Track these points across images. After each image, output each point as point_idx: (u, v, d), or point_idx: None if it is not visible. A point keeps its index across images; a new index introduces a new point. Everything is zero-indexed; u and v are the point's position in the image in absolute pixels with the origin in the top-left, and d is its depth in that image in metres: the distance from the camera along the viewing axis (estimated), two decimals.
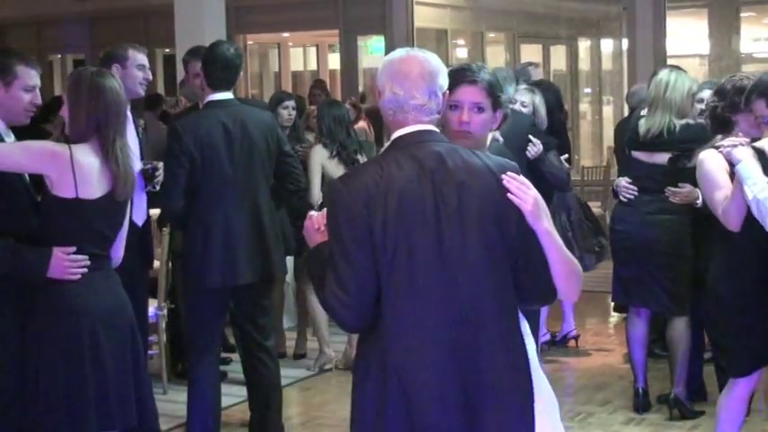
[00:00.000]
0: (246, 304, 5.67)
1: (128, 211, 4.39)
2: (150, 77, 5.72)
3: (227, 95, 5.57)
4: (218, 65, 5.52)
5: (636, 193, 6.30)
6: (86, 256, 4.16)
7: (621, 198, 6.37)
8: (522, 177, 3.15)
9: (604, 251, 7.73)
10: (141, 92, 5.70)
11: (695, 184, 5.94)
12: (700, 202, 5.91)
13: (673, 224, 6.16)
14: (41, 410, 4.13)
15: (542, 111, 7.04)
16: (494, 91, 3.44)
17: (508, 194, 3.10)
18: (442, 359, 3.08)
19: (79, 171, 4.09)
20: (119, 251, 4.40)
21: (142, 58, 5.66)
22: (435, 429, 3.07)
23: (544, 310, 7.29)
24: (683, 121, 6.14)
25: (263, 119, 5.73)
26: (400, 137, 3.20)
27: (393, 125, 3.23)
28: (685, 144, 6.09)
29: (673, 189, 6.09)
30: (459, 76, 3.40)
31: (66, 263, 4.12)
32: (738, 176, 4.55)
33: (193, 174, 5.41)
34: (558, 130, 7.50)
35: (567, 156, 7.06)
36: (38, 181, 4.19)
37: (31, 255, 4.15)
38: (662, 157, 6.19)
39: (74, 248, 4.13)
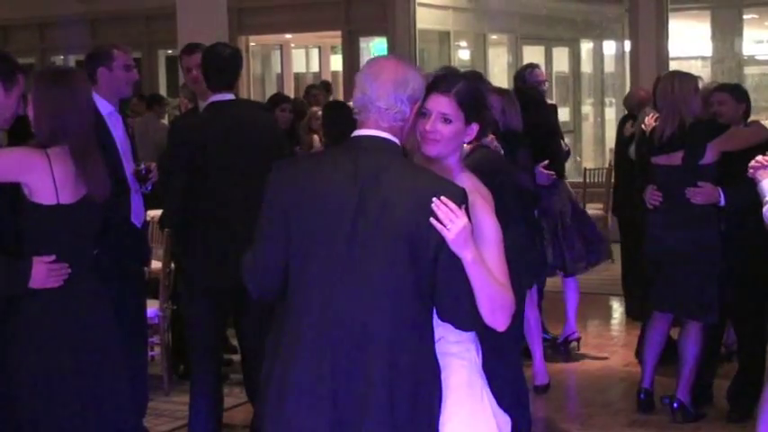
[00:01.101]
0: (247, 306, 5.66)
1: (105, 213, 4.29)
2: (136, 77, 5.70)
3: (228, 96, 5.56)
4: (216, 66, 5.52)
5: (661, 199, 6.26)
6: (66, 264, 4.09)
7: (648, 206, 6.35)
8: (452, 204, 3.07)
9: (602, 255, 7.78)
10: (128, 92, 5.70)
11: (714, 182, 5.97)
12: (723, 200, 5.96)
13: (699, 227, 6.13)
14: (22, 419, 4.08)
15: (513, 111, 6.80)
16: (466, 104, 3.34)
17: (431, 219, 3.07)
18: (315, 366, 3.12)
19: (58, 176, 4.03)
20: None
21: (127, 58, 5.65)
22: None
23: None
24: (693, 118, 6.16)
25: (264, 120, 5.73)
26: (354, 137, 3.25)
27: (357, 124, 3.27)
28: (699, 140, 6.10)
29: (693, 189, 6.04)
30: (434, 83, 3.36)
31: (48, 272, 4.06)
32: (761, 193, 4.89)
33: (192, 175, 5.41)
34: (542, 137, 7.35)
35: (546, 162, 6.95)
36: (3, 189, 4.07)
37: (11, 268, 4.07)
38: (678, 158, 6.17)
39: (53, 257, 4.06)
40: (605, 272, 10.84)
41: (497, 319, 3.21)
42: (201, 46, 6.16)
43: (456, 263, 3.11)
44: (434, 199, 3.08)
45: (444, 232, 3.07)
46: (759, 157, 5.07)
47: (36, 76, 4.30)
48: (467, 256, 3.10)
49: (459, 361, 3.31)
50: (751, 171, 5.03)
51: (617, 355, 7.92)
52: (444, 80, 3.37)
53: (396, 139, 3.23)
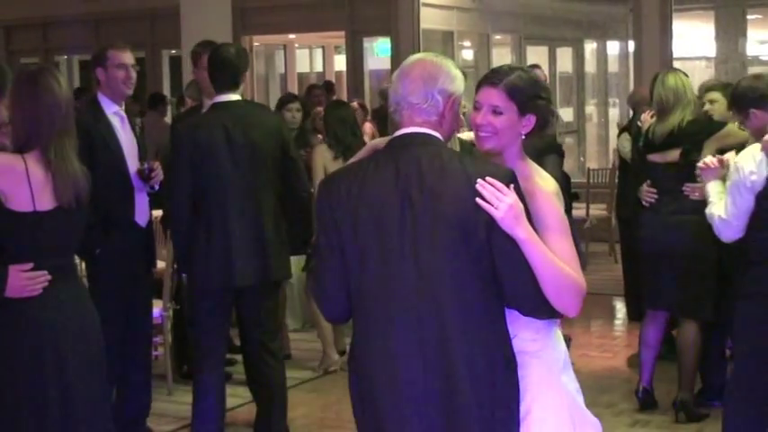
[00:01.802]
0: (249, 306, 5.67)
1: (86, 214, 4.17)
2: (133, 75, 5.68)
3: (233, 97, 5.56)
4: (221, 66, 5.52)
5: (656, 197, 6.30)
6: (46, 271, 3.99)
7: (644, 203, 6.38)
8: (499, 183, 3.04)
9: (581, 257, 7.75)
10: (127, 91, 5.69)
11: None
12: None
13: (694, 225, 6.13)
14: (5, 425, 4.01)
15: None
16: (518, 95, 3.28)
17: (477, 200, 3.05)
18: (407, 362, 3.10)
19: (35, 183, 3.93)
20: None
21: (122, 57, 5.65)
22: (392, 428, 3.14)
23: None
24: (691, 117, 6.17)
25: (269, 121, 5.72)
26: (393, 138, 3.26)
27: (394, 125, 3.29)
28: (695, 137, 6.12)
29: (690, 185, 6.02)
30: (485, 77, 3.35)
31: (25, 281, 3.96)
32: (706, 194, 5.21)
33: (195, 175, 5.40)
34: None
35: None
36: None
37: None
38: (674, 155, 6.19)
39: (31, 265, 3.97)
40: (608, 272, 10.85)
41: (565, 302, 3.12)
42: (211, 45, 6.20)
43: (511, 243, 3.06)
44: (479, 180, 3.06)
45: (492, 211, 3.03)
46: (707, 159, 5.19)
47: (14, 77, 4.20)
48: (519, 234, 3.05)
49: (535, 360, 3.26)
50: (698, 172, 5.18)
51: (620, 356, 7.92)
52: (494, 73, 3.35)
53: (434, 132, 3.22)
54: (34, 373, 4.00)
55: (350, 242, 3.17)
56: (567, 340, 7.95)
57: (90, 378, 4.14)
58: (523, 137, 3.34)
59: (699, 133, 6.12)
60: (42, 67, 4.17)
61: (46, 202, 3.97)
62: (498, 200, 3.03)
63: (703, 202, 5.76)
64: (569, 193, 7.94)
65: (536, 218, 3.16)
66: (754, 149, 4.88)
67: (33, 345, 4.00)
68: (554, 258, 3.10)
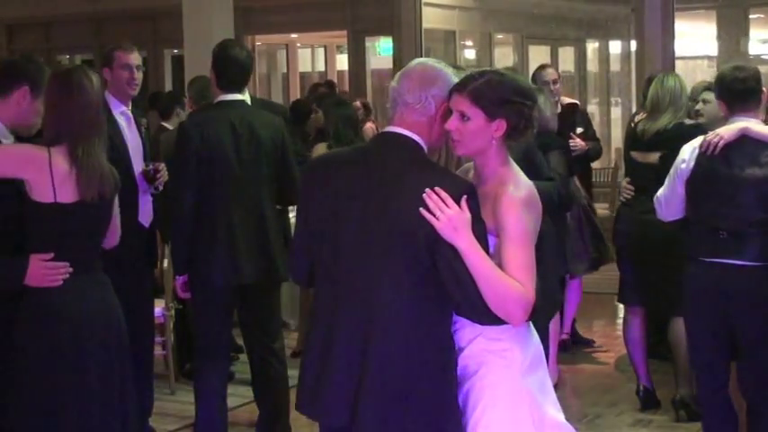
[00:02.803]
0: (252, 305, 5.66)
1: (112, 211, 4.26)
2: (137, 77, 5.69)
3: (238, 96, 5.55)
4: (230, 67, 5.50)
5: (633, 193, 6.37)
6: (67, 263, 4.07)
7: (621, 198, 6.45)
8: (444, 195, 3.14)
9: (603, 257, 7.78)
10: (131, 92, 5.70)
11: None
12: None
13: (666, 225, 6.17)
14: (21, 415, 4.08)
15: (547, 111, 6.92)
16: (482, 100, 3.30)
17: (420, 209, 3.14)
18: (340, 346, 3.29)
19: (57, 175, 4.01)
20: (110, 241, 4.32)
21: (128, 57, 5.66)
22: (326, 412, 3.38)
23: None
24: (678, 121, 6.19)
25: (272, 121, 5.72)
26: (377, 135, 3.45)
27: (387, 120, 3.43)
28: (675, 142, 6.13)
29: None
30: (455, 84, 3.37)
31: (45, 270, 4.04)
32: None
33: (201, 172, 5.39)
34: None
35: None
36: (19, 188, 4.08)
37: (6, 264, 4.09)
38: (654, 157, 6.24)
39: (51, 255, 4.05)
40: (610, 271, 10.82)
41: (509, 312, 3.19)
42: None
43: (453, 252, 3.16)
44: (427, 189, 3.16)
45: (432, 220, 3.14)
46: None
47: (49, 77, 4.27)
48: (459, 243, 3.15)
49: (498, 360, 3.31)
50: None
51: (622, 355, 7.91)
52: (463, 80, 3.37)
53: (417, 137, 3.32)
54: (51, 363, 4.06)
55: (313, 223, 3.41)
56: (591, 342, 8.01)
57: (111, 371, 4.20)
58: (497, 140, 3.34)
59: (678, 138, 6.10)
60: (76, 67, 4.35)
61: (68, 195, 4.04)
62: (440, 210, 3.13)
63: None
64: (587, 188, 7.97)
65: (498, 224, 3.25)
66: (696, 141, 5.21)
67: (52, 335, 4.07)
68: (494, 269, 3.17)
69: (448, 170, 3.39)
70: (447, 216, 3.13)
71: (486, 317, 3.22)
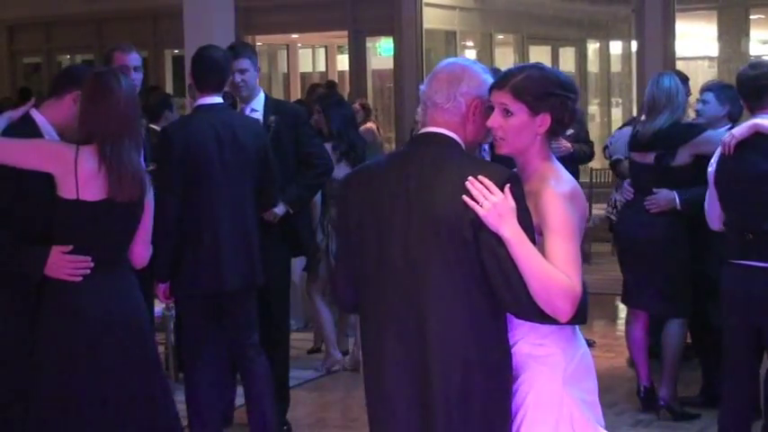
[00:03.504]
0: (232, 310, 5.56)
1: (140, 213, 4.30)
2: (135, 77, 5.68)
3: (217, 99, 5.51)
4: (206, 68, 5.47)
5: (632, 195, 6.40)
6: (89, 258, 4.13)
7: (622, 199, 6.50)
8: (488, 182, 3.07)
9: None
10: None
11: (686, 184, 6.01)
12: (678, 204, 6.09)
13: (664, 223, 6.19)
14: (38, 412, 4.11)
15: None
16: (525, 95, 3.22)
17: (464, 197, 3.08)
18: (393, 360, 3.20)
19: (81, 172, 4.07)
20: (141, 253, 4.36)
21: (125, 58, 5.68)
22: (384, 423, 3.27)
23: None
24: (674, 121, 6.19)
25: (252, 125, 5.71)
26: (412, 137, 3.41)
27: (421, 124, 3.40)
28: (670, 142, 6.15)
29: (649, 198, 6.20)
30: (494, 81, 3.31)
31: (64, 262, 4.11)
32: None
33: (185, 178, 5.34)
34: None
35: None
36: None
37: (28, 251, 4.16)
38: (651, 157, 6.26)
39: (70, 247, 4.11)
40: (610, 272, 10.84)
41: (555, 305, 3.07)
42: (248, 49, 6.32)
43: (498, 242, 3.06)
44: (470, 177, 3.09)
45: (476, 208, 3.06)
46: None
47: (89, 77, 4.33)
48: (504, 232, 3.05)
49: (540, 366, 3.24)
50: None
51: (622, 355, 7.91)
52: (502, 76, 3.31)
53: (452, 134, 3.26)
54: (67, 361, 4.10)
55: (355, 238, 3.30)
56: (591, 344, 8.01)
57: (130, 369, 4.20)
58: (541, 136, 3.27)
59: (674, 138, 6.14)
60: (107, 69, 4.45)
61: (93, 194, 4.09)
62: (484, 197, 3.05)
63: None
64: None
65: (541, 218, 3.16)
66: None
67: (68, 334, 4.11)
68: (542, 260, 3.07)
69: (488, 161, 3.31)
70: (491, 203, 3.04)
71: (532, 312, 3.10)
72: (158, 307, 6.60)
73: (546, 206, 3.16)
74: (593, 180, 12.58)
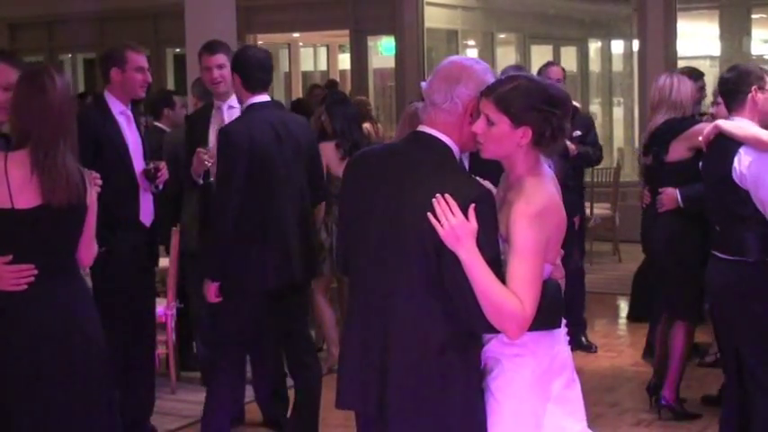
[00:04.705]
0: (291, 305, 5.59)
1: (83, 215, 4.10)
2: (149, 79, 5.68)
3: (266, 98, 5.49)
4: (255, 68, 5.40)
5: (649, 199, 6.42)
6: (32, 266, 3.97)
7: (642, 205, 6.55)
8: (452, 202, 3.12)
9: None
10: (141, 94, 5.69)
11: (687, 180, 6.01)
12: (680, 201, 6.10)
13: (672, 224, 6.18)
14: None
15: None
16: (508, 107, 3.23)
17: (428, 214, 3.15)
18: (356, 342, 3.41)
19: (13, 180, 3.92)
20: (86, 253, 4.19)
21: (140, 59, 5.64)
22: (346, 398, 3.67)
23: None
24: (669, 118, 6.22)
25: (301, 121, 5.72)
26: (411, 133, 3.42)
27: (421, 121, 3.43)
28: (662, 137, 6.17)
29: (659, 198, 6.20)
30: (485, 88, 3.32)
31: (6, 272, 3.96)
32: None
33: (247, 174, 5.28)
34: None
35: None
36: None
37: None
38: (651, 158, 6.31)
39: (9, 258, 3.96)
40: (611, 271, 10.86)
41: (504, 327, 3.18)
42: (224, 46, 6.14)
43: (455, 260, 3.16)
44: (437, 195, 3.15)
45: (437, 227, 3.14)
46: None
47: (20, 75, 4.20)
48: (459, 254, 3.14)
49: (509, 364, 3.31)
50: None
51: (624, 355, 7.92)
52: (492, 84, 3.30)
53: (447, 139, 3.30)
54: (5, 369, 3.98)
55: (346, 217, 3.54)
56: (593, 349, 7.99)
57: (71, 385, 4.05)
58: (525, 147, 3.27)
59: (666, 133, 6.16)
60: (41, 68, 4.15)
61: (28, 200, 3.95)
62: (446, 218, 3.13)
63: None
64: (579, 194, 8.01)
65: (509, 234, 3.21)
66: None
67: (5, 339, 3.98)
68: (494, 283, 3.13)
69: (467, 175, 3.32)
70: (450, 225, 3.12)
71: (485, 328, 3.21)
72: (160, 306, 6.60)
73: (512, 225, 3.21)
74: (595, 179, 12.57)
